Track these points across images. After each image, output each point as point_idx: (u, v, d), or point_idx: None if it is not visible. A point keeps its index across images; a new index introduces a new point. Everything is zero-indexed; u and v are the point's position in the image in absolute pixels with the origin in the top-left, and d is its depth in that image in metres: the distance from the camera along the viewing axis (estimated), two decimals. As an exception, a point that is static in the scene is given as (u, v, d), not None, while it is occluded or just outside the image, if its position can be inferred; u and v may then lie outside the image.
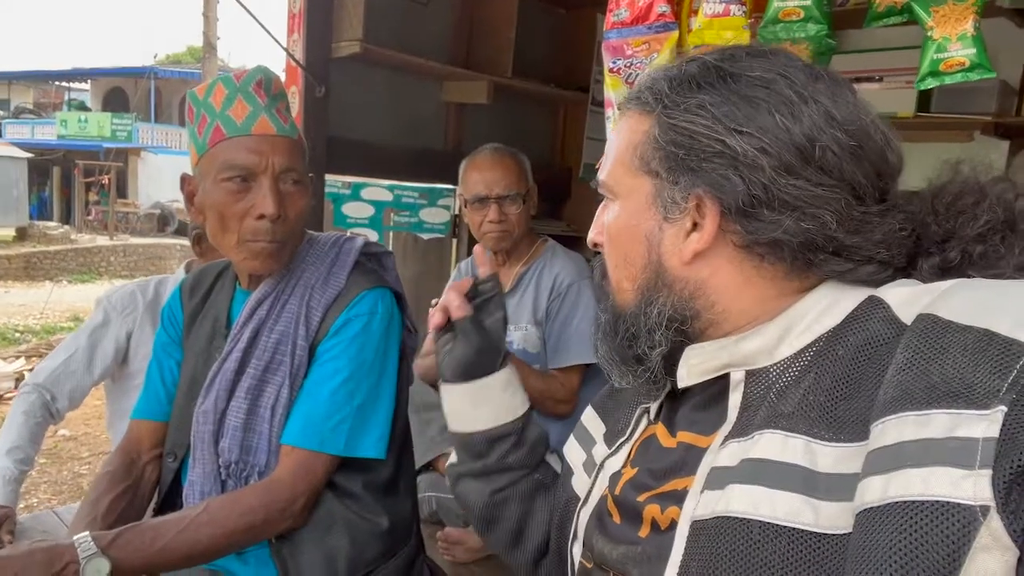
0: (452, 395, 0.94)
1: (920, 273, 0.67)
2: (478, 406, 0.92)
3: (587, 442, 0.90)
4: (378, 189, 2.68)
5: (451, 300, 0.95)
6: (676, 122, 0.67)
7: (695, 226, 0.68)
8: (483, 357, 0.92)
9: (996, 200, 0.66)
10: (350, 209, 2.62)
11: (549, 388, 1.88)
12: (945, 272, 0.66)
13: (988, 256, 0.64)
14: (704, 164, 0.66)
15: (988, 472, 0.46)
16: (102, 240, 15.65)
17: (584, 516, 0.81)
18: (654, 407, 0.81)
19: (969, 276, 0.64)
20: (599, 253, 0.80)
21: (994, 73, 1.19)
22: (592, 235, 0.79)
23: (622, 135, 0.74)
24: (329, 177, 2.49)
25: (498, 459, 0.91)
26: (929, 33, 1.22)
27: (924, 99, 2.24)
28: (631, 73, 1.51)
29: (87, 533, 0.98)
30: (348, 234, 1.31)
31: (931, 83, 1.24)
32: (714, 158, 0.65)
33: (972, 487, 0.46)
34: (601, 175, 0.77)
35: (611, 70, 1.54)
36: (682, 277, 0.69)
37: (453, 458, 0.97)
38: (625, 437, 0.82)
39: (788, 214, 0.63)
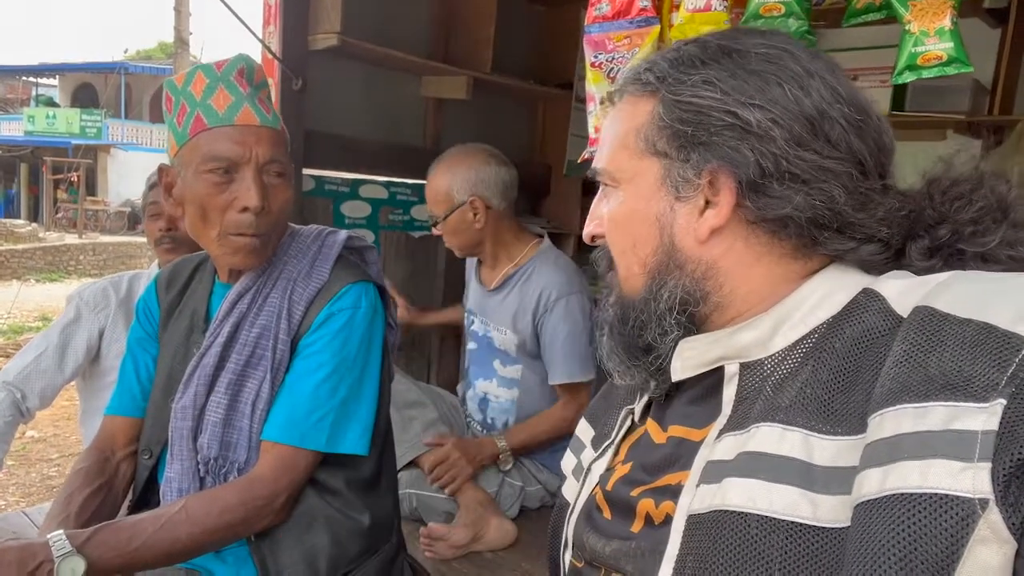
0: None
1: (908, 257, 0.68)
2: None
3: (578, 449, 0.90)
4: (375, 187, 2.66)
5: None
6: (682, 98, 0.67)
7: (707, 204, 0.67)
8: None
9: (991, 190, 0.67)
10: (348, 208, 2.59)
11: (555, 425, 1.90)
12: (933, 252, 0.67)
13: (978, 234, 0.65)
14: (715, 138, 0.65)
15: (987, 465, 0.46)
16: (71, 238, 15.35)
17: (574, 520, 0.80)
18: (638, 408, 0.80)
19: (959, 250, 0.65)
20: (594, 247, 0.79)
21: (971, 68, 1.21)
22: (590, 228, 0.78)
23: (621, 120, 0.73)
24: (328, 174, 2.46)
25: None
26: (907, 27, 1.23)
27: (899, 98, 2.27)
28: (613, 67, 1.51)
29: (61, 532, 0.95)
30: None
31: (908, 77, 1.25)
32: (724, 131, 0.65)
33: (971, 480, 0.46)
34: (599, 163, 0.76)
35: (592, 64, 1.54)
36: (695, 257, 0.69)
37: None
38: (610, 440, 0.82)
39: (798, 187, 0.64)
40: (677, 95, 0.67)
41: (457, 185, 1.91)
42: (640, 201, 0.71)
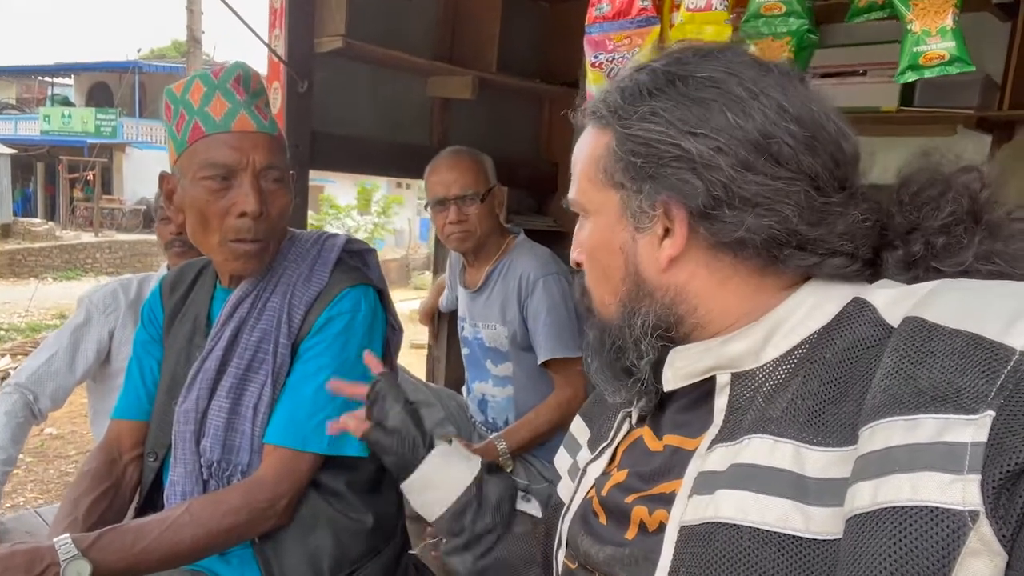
0: (406, 492, 0.98)
1: (885, 267, 0.67)
2: (425, 492, 0.95)
3: (573, 449, 0.91)
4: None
5: (346, 423, 1.00)
6: (631, 131, 0.68)
7: (667, 232, 0.68)
8: (404, 454, 0.96)
9: (962, 191, 0.66)
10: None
11: (551, 414, 1.90)
12: (910, 265, 0.66)
13: (951, 247, 0.64)
14: (662, 169, 0.66)
15: (977, 477, 0.46)
16: (87, 237, 15.53)
17: (568, 520, 0.81)
18: (635, 412, 0.81)
19: (933, 267, 0.65)
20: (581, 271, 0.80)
21: (973, 67, 1.19)
22: (574, 255, 0.79)
23: (584, 152, 0.74)
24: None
25: (468, 531, 0.93)
26: (909, 26, 1.22)
27: (908, 93, 2.24)
28: (613, 67, 1.51)
29: (67, 535, 0.97)
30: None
31: (911, 76, 1.24)
32: (672, 162, 0.65)
33: (961, 492, 0.46)
34: (571, 194, 0.77)
35: (593, 64, 1.54)
36: (662, 285, 0.70)
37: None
38: (607, 442, 0.82)
39: (750, 211, 0.64)
40: (627, 128, 0.68)
41: (488, 169, 1.97)
42: (605, 231, 0.72)
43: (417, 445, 0.96)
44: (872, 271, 0.68)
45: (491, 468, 0.99)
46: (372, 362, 1.05)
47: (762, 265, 0.67)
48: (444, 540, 0.96)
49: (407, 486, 0.96)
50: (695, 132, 0.64)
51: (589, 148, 0.73)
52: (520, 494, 0.99)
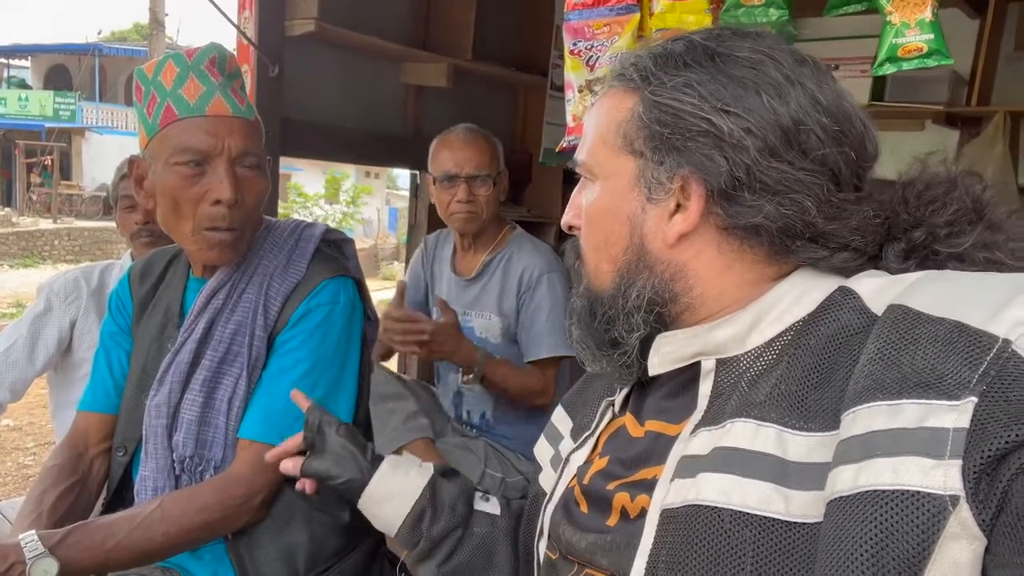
0: (364, 510, 0.95)
1: (885, 260, 0.68)
2: (382, 505, 0.93)
3: (555, 439, 0.90)
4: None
5: (286, 469, 0.97)
6: (662, 100, 0.66)
7: (678, 207, 0.67)
8: (352, 477, 0.93)
9: (966, 190, 0.67)
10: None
11: (528, 383, 1.88)
12: (909, 254, 0.67)
13: (952, 235, 0.65)
14: (689, 143, 0.65)
15: (958, 462, 0.47)
16: (45, 223, 15.10)
17: (550, 510, 0.81)
18: (618, 400, 0.81)
19: (934, 250, 0.66)
20: (572, 236, 0.79)
21: (951, 60, 1.21)
22: (568, 218, 0.78)
23: (603, 114, 0.72)
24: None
25: (426, 538, 0.91)
26: (888, 18, 1.23)
27: (878, 88, 2.27)
28: (592, 55, 1.50)
29: (33, 532, 0.94)
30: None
31: (889, 69, 1.25)
32: (699, 137, 0.64)
33: (942, 477, 0.47)
34: (580, 155, 0.75)
35: (572, 52, 1.53)
36: (664, 259, 0.69)
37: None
38: (590, 431, 0.82)
39: (769, 198, 0.63)
40: (657, 95, 0.66)
41: (500, 154, 1.93)
42: (614, 198, 0.71)
43: (360, 461, 0.94)
44: (873, 266, 0.68)
45: (445, 472, 0.98)
46: (299, 399, 1.03)
47: (767, 254, 0.67)
48: (408, 554, 0.94)
49: (363, 503, 0.94)
50: (728, 110, 0.63)
51: (609, 110, 0.71)
52: (478, 494, 0.98)
